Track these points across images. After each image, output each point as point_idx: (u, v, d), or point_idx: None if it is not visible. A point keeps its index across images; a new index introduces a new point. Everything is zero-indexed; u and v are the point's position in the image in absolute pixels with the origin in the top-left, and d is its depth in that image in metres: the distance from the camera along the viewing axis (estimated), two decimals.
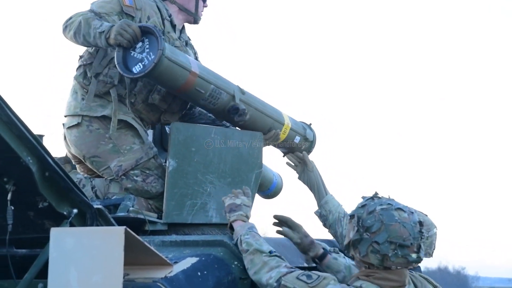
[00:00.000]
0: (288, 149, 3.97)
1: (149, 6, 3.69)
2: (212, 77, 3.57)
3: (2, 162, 2.49)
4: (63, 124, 3.67)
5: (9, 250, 2.61)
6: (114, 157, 3.55)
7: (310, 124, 4.09)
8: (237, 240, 2.97)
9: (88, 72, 3.61)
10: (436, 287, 2.92)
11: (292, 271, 2.77)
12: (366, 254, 2.70)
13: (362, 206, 2.77)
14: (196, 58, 3.91)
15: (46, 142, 3.54)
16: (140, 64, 3.40)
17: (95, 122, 3.58)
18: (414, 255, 2.68)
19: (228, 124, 3.82)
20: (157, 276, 2.69)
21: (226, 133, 3.63)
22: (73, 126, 3.60)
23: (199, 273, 2.81)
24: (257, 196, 3.98)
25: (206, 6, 3.97)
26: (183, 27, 3.92)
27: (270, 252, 2.87)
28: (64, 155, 3.80)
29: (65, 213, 2.65)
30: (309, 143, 4.03)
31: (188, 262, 2.85)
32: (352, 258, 2.82)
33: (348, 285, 2.75)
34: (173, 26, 3.79)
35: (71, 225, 2.66)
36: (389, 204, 2.74)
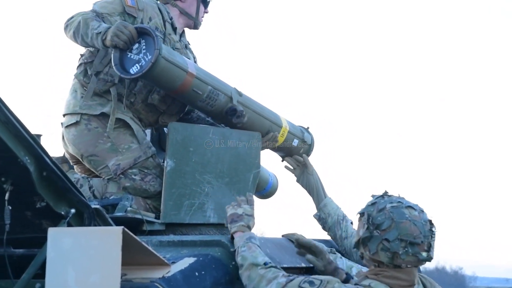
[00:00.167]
0: (287, 152, 3.96)
1: (151, 7, 3.70)
2: (209, 79, 3.57)
3: (0, 162, 2.48)
4: (62, 123, 3.67)
5: (6, 250, 2.61)
6: (112, 156, 3.55)
7: (308, 127, 4.09)
8: (235, 251, 2.94)
9: (88, 70, 3.61)
10: None
11: (291, 280, 2.71)
12: (376, 252, 2.67)
13: (372, 204, 2.74)
14: (195, 63, 3.90)
15: (45, 142, 3.53)
16: (137, 65, 3.40)
17: (94, 120, 3.58)
18: (424, 254, 2.66)
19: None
20: (155, 276, 2.68)
21: (224, 133, 3.62)
22: (71, 124, 3.60)
23: (196, 273, 2.81)
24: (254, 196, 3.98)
25: (207, 12, 3.97)
26: (183, 31, 3.92)
27: (265, 263, 2.81)
28: (62, 154, 3.80)
29: (62, 213, 2.65)
30: (308, 146, 4.02)
31: (185, 262, 2.84)
32: (362, 257, 2.78)
33: (356, 284, 2.72)
34: (174, 29, 3.79)
35: (69, 225, 2.66)
36: (399, 202, 2.71)
